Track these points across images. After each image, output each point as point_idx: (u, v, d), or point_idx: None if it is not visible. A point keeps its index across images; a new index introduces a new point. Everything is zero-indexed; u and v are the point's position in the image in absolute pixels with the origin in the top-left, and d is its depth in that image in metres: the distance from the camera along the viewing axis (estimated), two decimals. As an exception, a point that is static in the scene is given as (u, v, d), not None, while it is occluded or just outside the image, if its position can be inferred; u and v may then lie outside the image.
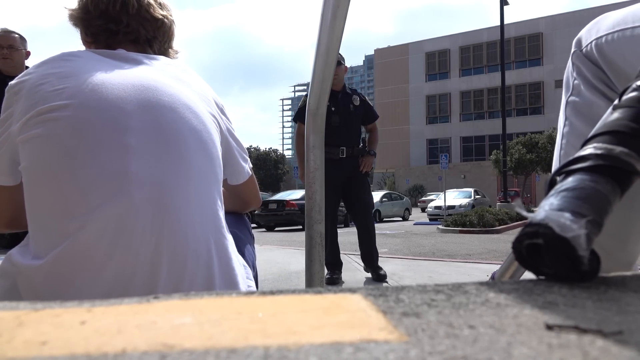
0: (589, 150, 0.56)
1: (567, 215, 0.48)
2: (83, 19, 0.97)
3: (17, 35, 3.00)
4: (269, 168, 44.17)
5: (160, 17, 1.00)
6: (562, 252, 0.47)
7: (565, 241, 0.46)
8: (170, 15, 1.04)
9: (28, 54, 3.07)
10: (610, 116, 0.60)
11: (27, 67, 3.07)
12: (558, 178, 0.56)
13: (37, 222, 0.77)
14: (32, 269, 0.74)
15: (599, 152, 0.55)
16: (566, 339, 0.32)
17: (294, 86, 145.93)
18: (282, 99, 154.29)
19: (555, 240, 0.47)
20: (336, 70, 3.57)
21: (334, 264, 3.52)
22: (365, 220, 3.59)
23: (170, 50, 1.07)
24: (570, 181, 0.53)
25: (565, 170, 0.55)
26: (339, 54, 3.65)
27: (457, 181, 33.34)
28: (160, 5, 1.02)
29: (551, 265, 0.48)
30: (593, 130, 0.59)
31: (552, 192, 0.53)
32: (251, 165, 1.09)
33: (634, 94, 0.62)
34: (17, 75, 2.93)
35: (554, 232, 0.47)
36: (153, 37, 1.00)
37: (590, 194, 0.51)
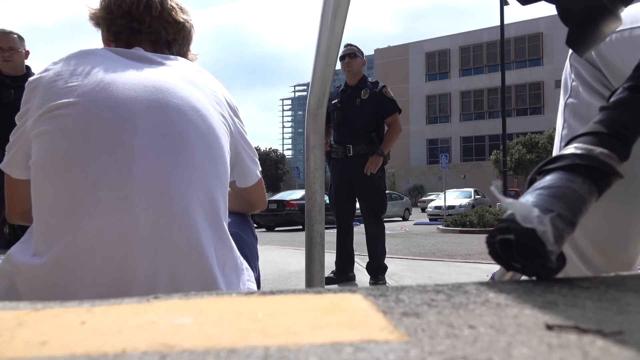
0: (569, 150, 0.57)
1: (536, 211, 0.49)
2: (106, 19, 0.99)
3: (15, 36, 3.01)
4: (269, 168, 44.19)
5: (182, 20, 1.03)
6: (531, 248, 0.47)
7: (535, 237, 0.47)
8: (191, 20, 1.06)
9: (27, 53, 3.08)
10: (597, 117, 0.61)
11: (27, 67, 3.07)
12: (538, 177, 0.57)
13: (40, 218, 0.77)
14: (32, 269, 0.74)
15: (578, 152, 0.55)
16: (566, 339, 0.32)
17: (294, 86, 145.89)
18: (282, 99, 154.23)
19: (525, 236, 0.47)
20: (350, 63, 3.53)
21: (340, 264, 3.48)
22: (368, 221, 3.48)
23: (189, 53, 1.09)
24: (547, 179, 0.54)
25: (544, 169, 0.56)
26: (356, 46, 3.60)
27: (457, 181, 33.34)
28: (182, 10, 1.04)
29: (520, 260, 0.49)
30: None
31: (530, 189, 0.54)
32: (260, 169, 1.08)
33: (621, 95, 0.63)
34: (16, 75, 2.95)
35: (523, 227, 0.48)
36: (173, 40, 1.03)
37: (565, 192, 0.52)
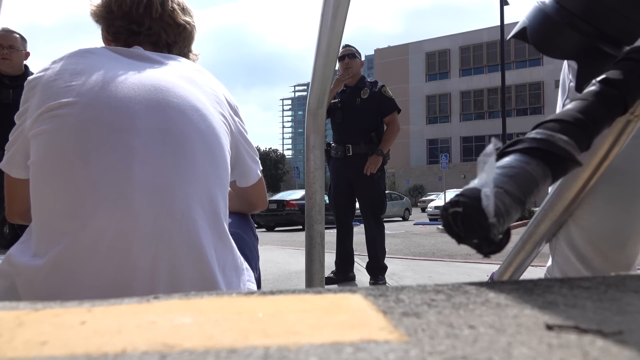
0: (531, 134, 0.58)
1: (481, 185, 0.50)
2: (105, 18, 0.98)
3: (17, 36, 3.01)
4: (269, 168, 44.18)
5: (183, 22, 1.01)
6: (476, 220, 0.49)
7: (478, 209, 0.48)
8: (193, 22, 1.05)
9: (27, 54, 3.07)
10: (565, 106, 0.63)
11: (25, 66, 3.07)
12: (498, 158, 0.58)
13: (39, 218, 0.77)
14: (31, 269, 0.74)
15: (538, 136, 0.57)
16: (566, 339, 0.32)
17: (294, 86, 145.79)
18: (282, 99, 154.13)
19: (470, 208, 0.49)
20: (350, 64, 3.53)
21: (340, 264, 3.48)
22: (367, 221, 3.48)
23: (190, 54, 1.08)
24: (504, 160, 0.56)
25: (505, 151, 0.58)
26: (354, 47, 3.60)
27: (457, 181, 33.30)
28: (184, 11, 1.03)
29: (465, 233, 0.50)
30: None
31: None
32: (261, 168, 1.08)
33: (592, 87, 0.64)
34: (14, 75, 2.94)
35: (469, 200, 0.49)
36: (173, 42, 1.01)
37: (518, 172, 0.53)
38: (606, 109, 0.62)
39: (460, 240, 0.52)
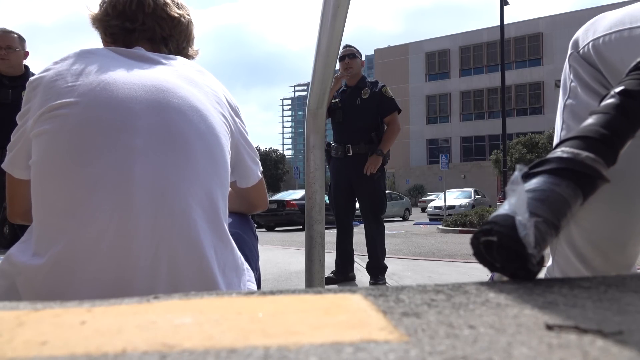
0: (556, 153, 0.57)
1: (520, 214, 0.49)
2: (102, 20, 1.00)
3: (16, 36, 3.00)
4: (269, 168, 44.17)
5: (177, 15, 1.02)
6: (513, 250, 0.48)
7: (517, 240, 0.47)
8: (188, 15, 1.06)
9: (27, 54, 3.07)
10: (586, 121, 0.62)
11: (25, 67, 3.07)
12: (524, 180, 0.57)
13: (40, 218, 0.77)
14: (31, 269, 0.74)
15: (565, 155, 0.56)
16: (566, 339, 0.32)
17: (294, 86, 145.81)
18: (282, 99, 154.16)
19: (507, 238, 0.48)
20: (350, 64, 3.53)
21: (340, 264, 3.48)
22: (367, 221, 3.48)
23: (189, 49, 1.09)
24: (532, 182, 0.55)
25: (530, 172, 0.56)
26: (354, 47, 3.60)
27: (457, 181, 33.33)
28: (178, 5, 1.04)
29: (501, 261, 0.50)
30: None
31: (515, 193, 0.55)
32: (262, 169, 1.08)
33: (611, 100, 0.63)
34: (14, 75, 2.93)
35: (504, 229, 0.48)
36: (169, 36, 1.02)
37: (549, 196, 0.52)
38: (628, 121, 0.60)
39: (494, 269, 0.51)
